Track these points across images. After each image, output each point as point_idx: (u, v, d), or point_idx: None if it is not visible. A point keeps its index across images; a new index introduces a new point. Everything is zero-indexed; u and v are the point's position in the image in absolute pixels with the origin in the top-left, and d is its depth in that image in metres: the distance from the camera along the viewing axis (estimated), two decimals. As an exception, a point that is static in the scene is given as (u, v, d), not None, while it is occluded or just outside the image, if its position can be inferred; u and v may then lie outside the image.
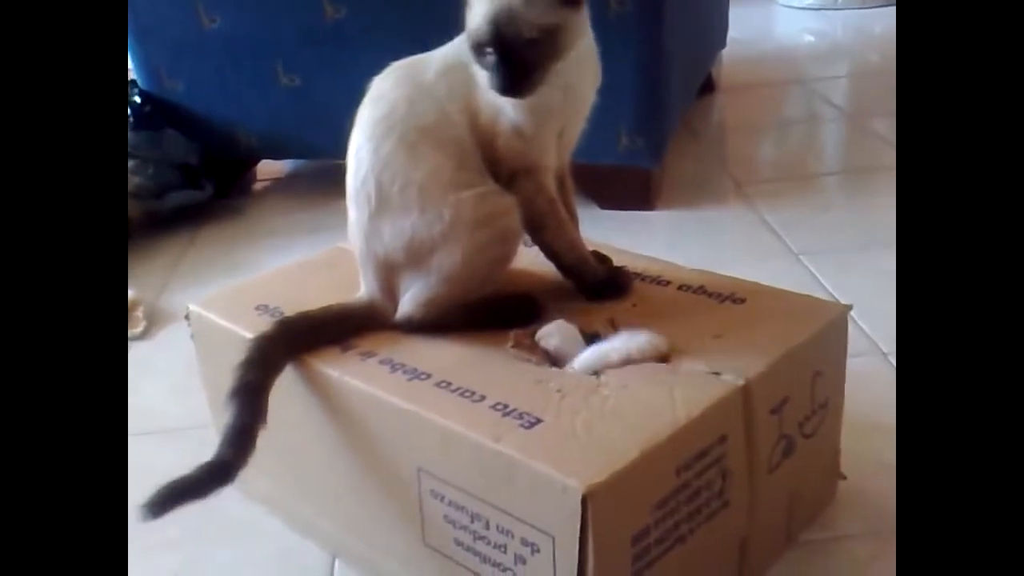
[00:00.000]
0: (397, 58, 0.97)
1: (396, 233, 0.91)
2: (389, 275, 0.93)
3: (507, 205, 0.91)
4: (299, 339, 0.92)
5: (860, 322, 1.30)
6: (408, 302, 0.93)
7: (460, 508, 0.79)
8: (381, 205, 0.91)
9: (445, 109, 0.91)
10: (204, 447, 1.10)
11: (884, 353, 1.26)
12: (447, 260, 0.90)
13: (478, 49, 0.87)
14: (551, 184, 0.97)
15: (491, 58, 0.86)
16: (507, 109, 0.91)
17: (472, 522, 0.79)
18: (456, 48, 0.93)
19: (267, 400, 0.86)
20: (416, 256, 0.91)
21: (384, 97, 0.92)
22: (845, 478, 1.01)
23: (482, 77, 0.89)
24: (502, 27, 0.85)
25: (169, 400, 1.31)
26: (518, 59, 0.85)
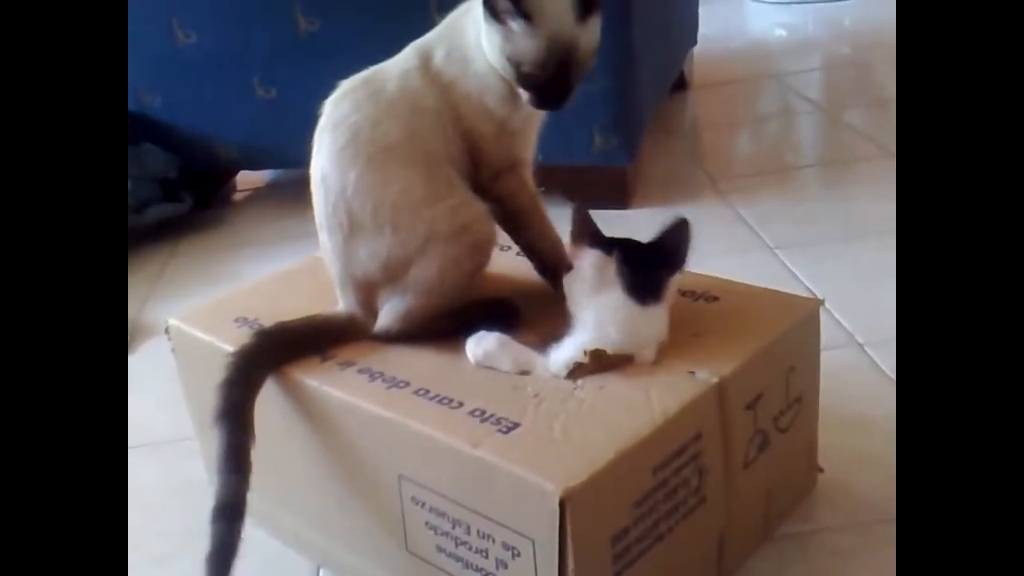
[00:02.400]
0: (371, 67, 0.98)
1: (372, 254, 0.91)
2: (367, 293, 0.94)
3: (478, 213, 0.92)
4: (279, 351, 0.92)
5: (836, 314, 1.32)
6: (386, 315, 0.94)
7: (441, 514, 0.80)
8: (354, 229, 0.91)
9: (410, 124, 0.92)
10: (189, 460, 1.12)
11: (861, 344, 1.27)
12: (423, 274, 0.91)
13: (528, 78, 0.88)
14: (531, 180, 0.99)
15: (540, 80, 0.88)
16: (496, 109, 0.92)
17: (453, 528, 0.80)
18: (412, 60, 0.94)
19: (252, 416, 0.87)
20: (393, 273, 0.92)
21: (345, 121, 0.92)
22: (823, 471, 1.03)
23: (498, 90, 0.90)
24: (566, 59, 0.87)
25: (153, 414, 1.32)
26: (574, 83, 0.89)
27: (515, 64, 0.88)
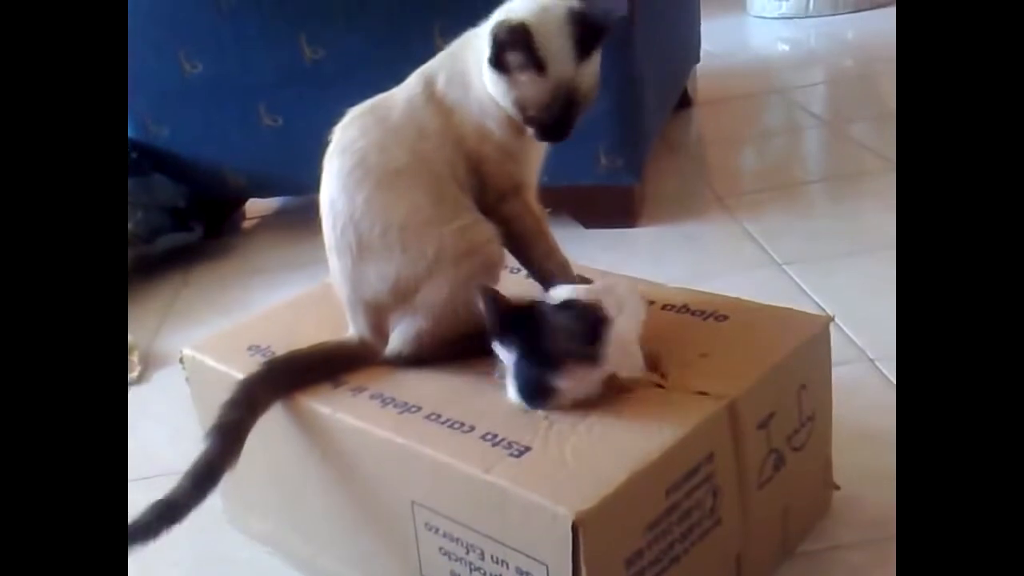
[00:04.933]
0: (376, 95, 0.99)
1: (381, 276, 0.92)
2: (378, 317, 0.95)
3: (487, 235, 0.93)
4: (287, 378, 0.93)
5: (846, 329, 1.32)
6: (397, 338, 0.95)
7: (455, 540, 0.80)
8: (363, 252, 0.92)
9: (416, 148, 0.93)
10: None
11: (872, 359, 1.27)
12: (433, 296, 0.92)
13: (534, 119, 0.90)
14: (535, 203, 0.99)
15: (546, 121, 0.90)
16: (496, 133, 0.93)
17: (467, 553, 0.80)
18: (417, 87, 0.95)
19: (244, 439, 0.88)
20: (403, 295, 0.93)
21: (352, 146, 0.93)
22: (839, 488, 1.02)
23: (497, 115, 0.92)
24: (570, 101, 0.90)
25: (167, 444, 1.32)
26: (576, 118, 0.92)
27: (522, 108, 0.90)
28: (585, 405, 0.83)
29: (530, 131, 0.92)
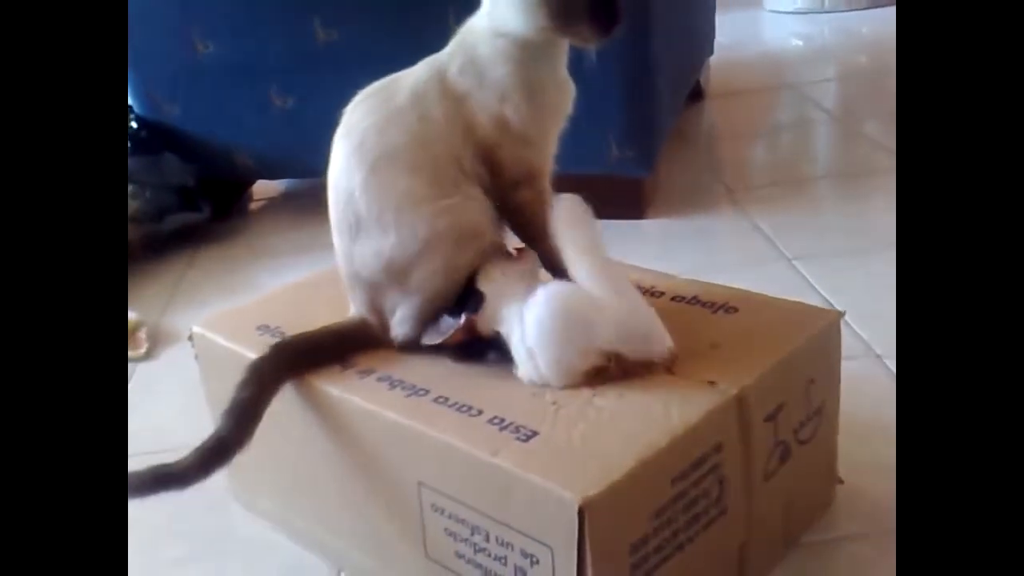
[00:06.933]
0: (389, 77, 0.99)
1: (376, 256, 0.93)
2: (375, 296, 0.95)
3: (474, 208, 0.93)
4: (296, 360, 0.93)
5: (854, 325, 1.32)
6: (399, 320, 0.95)
7: (460, 521, 0.81)
8: (360, 231, 0.93)
9: (416, 131, 0.92)
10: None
11: (879, 355, 1.27)
12: (426, 274, 0.92)
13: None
14: (549, 190, 0.99)
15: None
16: (512, 118, 0.92)
17: (472, 535, 0.80)
18: (426, 72, 0.95)
19: (257, 420, 0.88)
20: (397, 276, 0.93)
21: (355, 128, 0.93)
22: (843, 482, 1.02)
23: (516, 98, 0.91)
24: None
25: (175, 420, 1.32)
26: None
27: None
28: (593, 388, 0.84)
29: (584, 35, 0.89)
